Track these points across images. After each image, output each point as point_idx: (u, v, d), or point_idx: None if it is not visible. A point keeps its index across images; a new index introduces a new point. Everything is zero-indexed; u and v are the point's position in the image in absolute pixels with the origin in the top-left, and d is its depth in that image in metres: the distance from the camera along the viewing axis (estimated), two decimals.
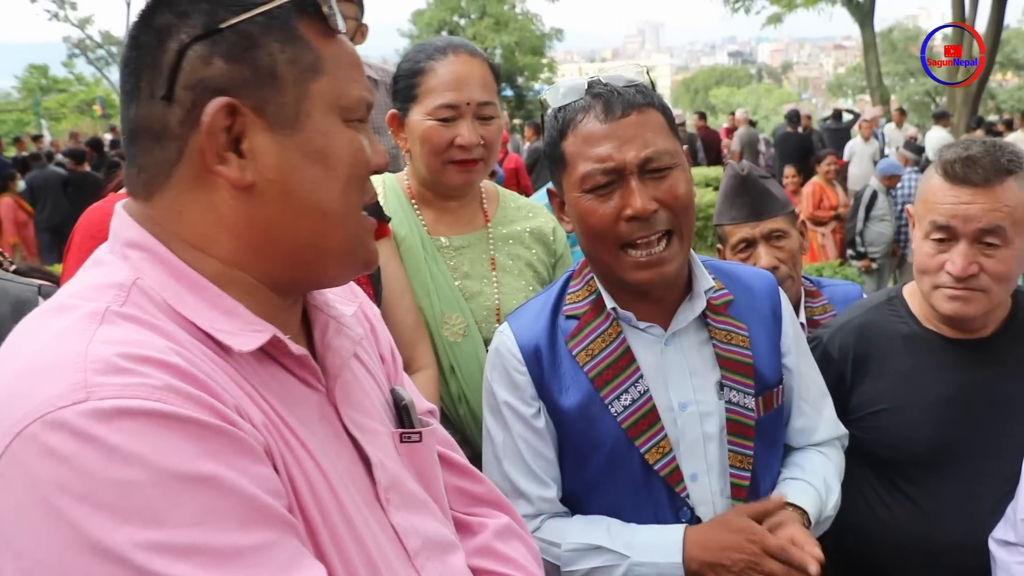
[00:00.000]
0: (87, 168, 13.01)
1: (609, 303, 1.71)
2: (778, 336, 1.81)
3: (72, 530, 0.78)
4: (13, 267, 2.14)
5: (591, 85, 1.67)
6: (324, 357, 1.11)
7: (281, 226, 1.00)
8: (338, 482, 1.02)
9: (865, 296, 2.57)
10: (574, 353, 1.70)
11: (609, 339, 1.70)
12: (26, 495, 0.79)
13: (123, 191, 2.07)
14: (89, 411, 0.80)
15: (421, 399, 1.33)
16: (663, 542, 1.63)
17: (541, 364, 1.71)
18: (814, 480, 1.79)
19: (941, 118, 14.34)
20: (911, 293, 2.10)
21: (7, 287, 1.54)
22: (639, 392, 1.68)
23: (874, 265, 8.61)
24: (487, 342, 2.10)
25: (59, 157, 14.70)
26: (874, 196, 8.69)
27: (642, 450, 1.67)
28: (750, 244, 2.39)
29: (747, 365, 1.74)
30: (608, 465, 1.69)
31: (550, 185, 1.80)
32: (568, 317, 1.75)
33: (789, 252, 2.39)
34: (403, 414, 1.23)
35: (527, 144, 12.94)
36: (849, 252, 8.81)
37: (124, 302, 0.94)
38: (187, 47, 0.96)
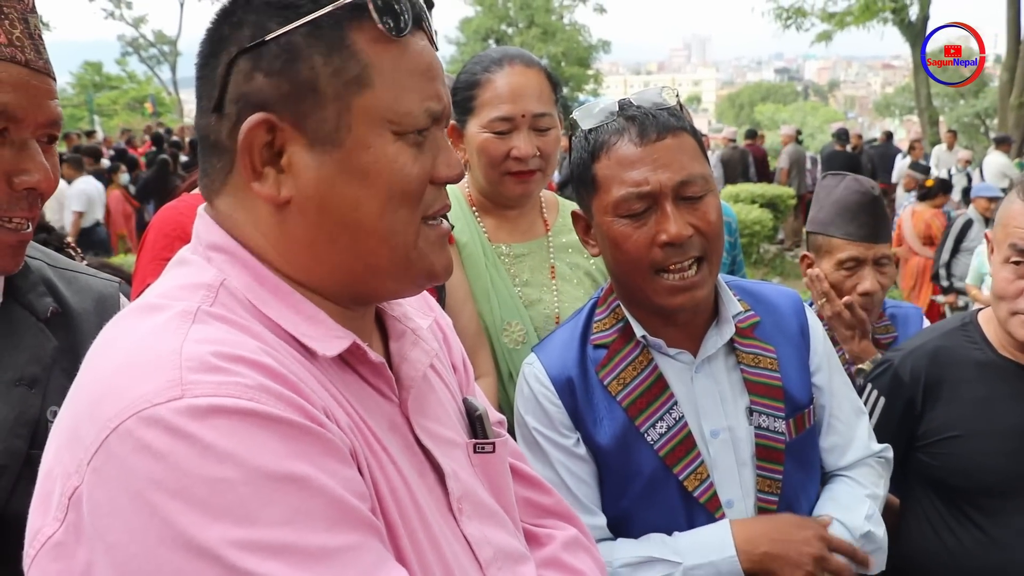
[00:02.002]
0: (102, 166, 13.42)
1: (639, 331, 1.69)
2: (807, 355, 1.79)
3: (165, 525, 0.78)
4: (85, 261, 2.17)
5: (622, 107, 1.65)
6: (399, 368, 1.11)
7: (323, 243, 1.00)
8: (416, 487, 1.03)
9: (924, 318, 2.54)
10: (606, 383, 1.68)
11: (640, 367, 1.69)
12: (121, 489, 0.80)
13: (196, 192, 2.11)
14: (184, 408, 0.81)
15: (492, 410, 1.32)
16: (712, 540, 1.62)
17: (574, 395, 1.69)
18: (846, 517, 1.73)
19: (1002, 143, 14.03)
20: (986, 319, 2.05)
21: (91, 282, 1.55)
22: (674, 419, 1.66)
23: (960, 302, 7.63)
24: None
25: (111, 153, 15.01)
26: (968, 224, 7.73)
27: (680, 477, 1.65)
28: (859, 264, 2.35)
29: (776, 388, 1.71)
30: (646, 493, 1.67)
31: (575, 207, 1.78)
32: (596, 346, 1.72)
33: (889, 279, 2.39)
34: (476, 424, 1.22)
35: (565, 154, 12.92)
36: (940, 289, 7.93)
37: (213, 302, 0.95)
38: (234, 60, 0.97)
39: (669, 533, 1.66)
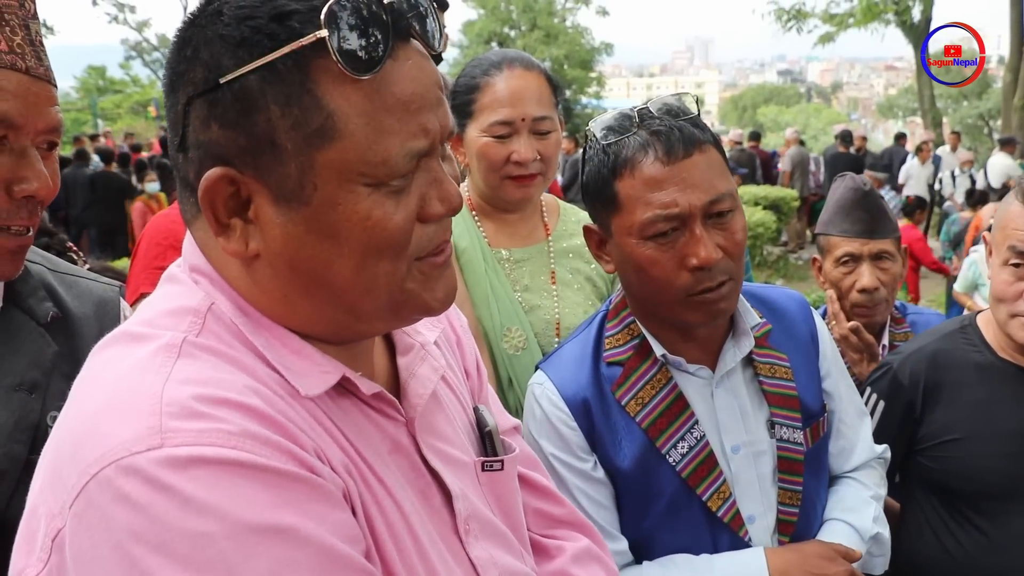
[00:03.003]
0: (115, 168, 13.59)
1: (659, 350, 1.63)
2: (816, 360, 1.76)
3: None
4: (87, 266, 2.18)
5: (642, 117, 1.55)
6: (407, 384, 1.07)
7: (298, 296, 0.94)
8: (415, 519, 0.99)
9: None
10: (623, 403, 1.62)
11: (659, 385, 1.63)
12: (102, 538, 0.78)
13: None
14: (163, 459, 0.78)
15: (505, 416, 1.29)
16: (746, 567, 1.59)
17: (591, 417, 1.62)
18: (855, 520, 1.73)
19: (1006, 144, 14.03)
20: (986, 322, 2.05)
21: (91, 287, 1.54)
22: (696, 438, 1.61)
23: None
24: (546, 355, 2.09)
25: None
26: None
27: (704, 497, 1.60)
28: (855, 260, 2.36)
29: (793, 398, 1.68)
30: (668, 514, 1.62)
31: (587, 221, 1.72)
32: (611, 364, 1.66)
33: (892, 276, 2.36)
34: (486, 440, 1.19)
35: (567, 156, 12.92)
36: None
37: (200, 330, 0.91)
38: (189, 103, 0.89)
39: (693, 553, 1.62)
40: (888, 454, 1.90)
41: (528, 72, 2.10)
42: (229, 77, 0.86)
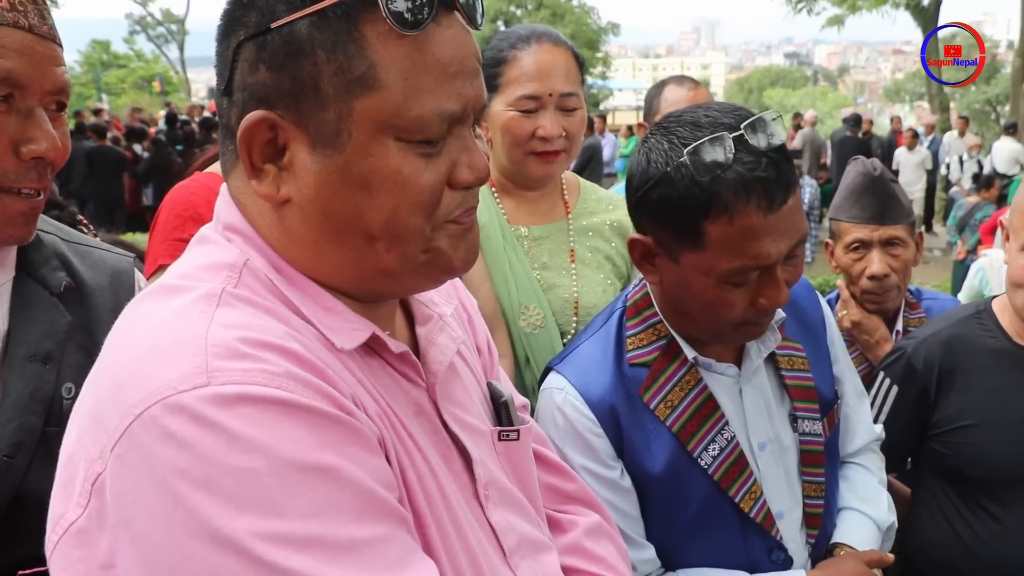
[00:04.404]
0: (108, 142, 13.66)
1: (690, 353, 1.58)
2: (826, 346, 1.75)
3: (191, 516, 0.77)
4: (97, 238, 2.17)
5: (737, 148, 1.38)
6: (427, 352, 1.09)
7: (327, 243, 0.96)
8: (442, 477, 1.01)
9: None
10: (652, 406, 1.56)
11: (688, 387, 1.58)
12: (146, 478, 0.79)
13: (208, 170, 2.10)
14: (210, 396, 0.79)
15: (517, 394, 1.30)
16: None
17: (619, 423, 1.55)
18: (872, 511, 1.73)
19: (1010, 129, 14.10)
20: (1001, 307, 2.04)
21: (105, 257, 1.52)
22: (726, 439, 1.57)
23: None
24: (564, 334, 2.08)
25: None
26: None
27: (736, 499, 1.57)
28: (865, 246, 2.35)
29: (811, 389, 1.66)
30: (700, 518, 1.58)
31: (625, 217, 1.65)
32: (634, 365, 1.59)
33: (903, 262, 2.35)
34: (501, 411, 1.20)
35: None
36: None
37: (237, 283, 0.93)
38: (240, 46, 0.92)
39: (724, 553, 1.60)
40: (883, 433, 1.90)
41: (556, 47, 2.08)
42: (281, 22, 0.89)
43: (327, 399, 0.85)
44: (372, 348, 1.00)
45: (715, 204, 1.38)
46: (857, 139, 14.55)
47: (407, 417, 1.00)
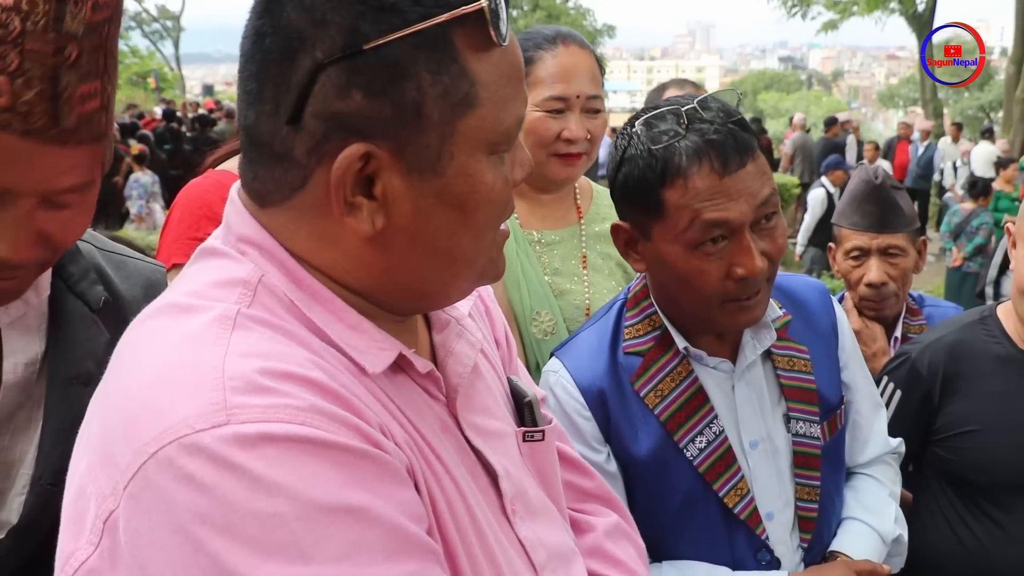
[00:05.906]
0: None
1: (681, 343, 1.59)
2: (836, 352, 1.74)
3: (212, 563, 0.73)
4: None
5: (691, 119, 1.45)
6: (444, 362, 1.04)
7: (406, 269, 0.92)
8: (471, 498, 0.97)
9: None
10: (642, 394, 1.58)
11: (679, 378, 1.59)
12: (162, 520, 0.74)
13: (221, 168, 2.07)
14: (230, 436, 0.75)
15: (534, 386, 1.27)
16: None
17: (607, 407, 1.58)
18: (876, 522, 1.72)
19: (987, 134, 15.07)
20: (1006, 313, 2.04)
21: (139, 267, 1.44)
22: (714, 433, 1.58)
23: None
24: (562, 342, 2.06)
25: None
26: None
27: (720, 494, 1.57)
28: (864, 254, 2.36)
29: (811, 391, 1.65)
30: (683, 510, 1.59)
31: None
32: (629, 354, 1.61)
33: (902, 270, 2.36)
34: (525, 411, 1.16)
35: None
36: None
37: (251, 302, 0.87)
38: (322, 69, 0.83)
39: (708, 550, 1.59)
40: (902, 448, 1.89)
41: (582, 50, 2.08)
42: (378, 42, 0.82)
43: (354, 431, 0.81)
44: (398, 365, 0.96)
45: (669, 170, 1.44)
46: (831, 140, 14.77)
47: (434, 436, 0.97)
